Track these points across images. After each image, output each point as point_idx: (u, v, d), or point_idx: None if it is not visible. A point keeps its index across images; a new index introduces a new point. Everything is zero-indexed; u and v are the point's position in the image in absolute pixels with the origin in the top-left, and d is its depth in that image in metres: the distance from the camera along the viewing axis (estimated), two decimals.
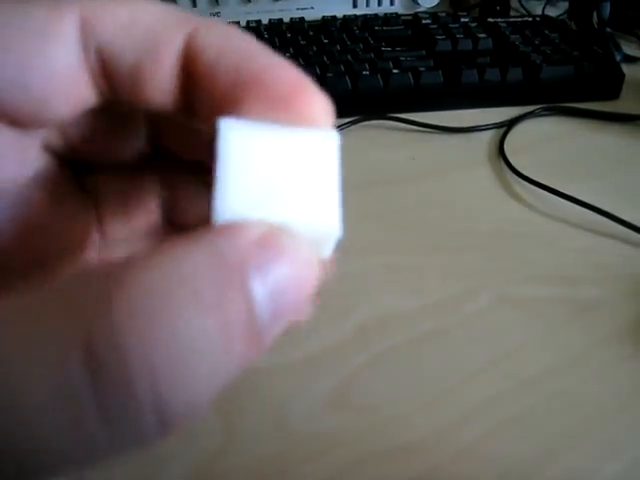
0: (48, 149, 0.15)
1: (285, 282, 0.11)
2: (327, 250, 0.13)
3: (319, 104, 0.12)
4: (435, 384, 0.30)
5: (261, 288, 0.10)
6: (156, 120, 0.16)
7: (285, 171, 0.12)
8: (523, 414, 0.29)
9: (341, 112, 0.53)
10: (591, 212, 0.41)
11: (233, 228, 0.11)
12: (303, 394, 0.30)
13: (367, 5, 0.75)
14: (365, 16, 0.66)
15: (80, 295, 0.09)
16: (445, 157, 0.49)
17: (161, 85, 0.13)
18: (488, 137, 0.52)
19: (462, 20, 0.65)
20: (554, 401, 0.30)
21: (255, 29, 0.62)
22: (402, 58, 0.57)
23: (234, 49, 0.12)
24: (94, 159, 0.16)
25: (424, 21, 0.65)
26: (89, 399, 0.09)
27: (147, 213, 0.17)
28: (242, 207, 0.11)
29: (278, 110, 0.12)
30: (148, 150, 0.17)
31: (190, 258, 0.10)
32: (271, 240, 0.11)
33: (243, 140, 0.12)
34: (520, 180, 0.46)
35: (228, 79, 0.12)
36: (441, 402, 0.30)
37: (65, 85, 0.13)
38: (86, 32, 0.12)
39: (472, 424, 0.29)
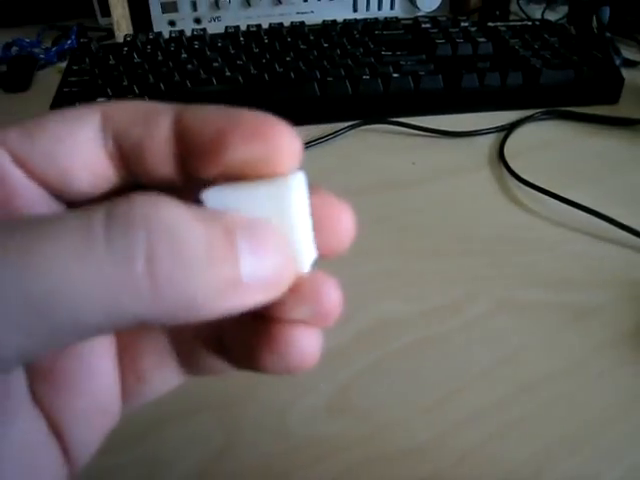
0: None
1: (264, 250, 0.13)
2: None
3: (287, 134, 0.15)
4: (435, 389, 0.30)
5: (245, 242, 0.13)
6: None
7: (262, 213, 0.14)
8: (523, 419, 0.29)
9: (341, 116, 0.54)
10: (591, 216, 0.41)
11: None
12: (303, 398, 0.30)
13: (367, 9, 0.76)
14: (365, 20, 0.66)
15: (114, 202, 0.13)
16: (445, 161, 0.49)
17: (159, 154, 0.15)
18: (488, 141, 0.52)
19: (462, 24, 0.66)
20: (554, 406, 0.30)
21: (255, 33, 0.62)
22: (402, 62, 0.57)
23: (212, 111, 0.15)
24: None
25: (424, 25, 0.65)
26: (99, 225, 0.12)
27: None
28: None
29: (256, 143, 0.14)
30: None
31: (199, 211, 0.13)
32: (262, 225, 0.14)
33: (221, 199, 0.14)
34: (520, 184, 0.46)
35: (211, 132, 0.15)
36: (441, 407, 0.30)
37: (87, 158, 0.15)
38: (106, 120, 0.15)
39: (472, 429, 0.29)
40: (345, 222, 0.16)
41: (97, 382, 0.17)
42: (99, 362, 0.17)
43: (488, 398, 0.30)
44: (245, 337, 0.16)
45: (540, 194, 0.44)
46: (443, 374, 0.31)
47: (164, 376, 0.19)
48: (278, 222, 0.14)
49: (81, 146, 0.15)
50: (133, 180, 0.16)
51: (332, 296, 0.16)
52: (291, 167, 0.15)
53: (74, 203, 0.16)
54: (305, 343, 0.16)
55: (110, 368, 0.17)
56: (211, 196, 0.14)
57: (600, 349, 0.33)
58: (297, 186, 0.15)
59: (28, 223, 0.12)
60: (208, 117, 0.15)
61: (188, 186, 0.16)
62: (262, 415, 0.29)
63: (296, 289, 0.15)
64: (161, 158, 0.15)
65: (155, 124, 0.15)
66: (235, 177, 0.15)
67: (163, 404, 0.30)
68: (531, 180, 0.45)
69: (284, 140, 0.14)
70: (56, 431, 0.16)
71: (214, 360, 0.18)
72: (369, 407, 0.30)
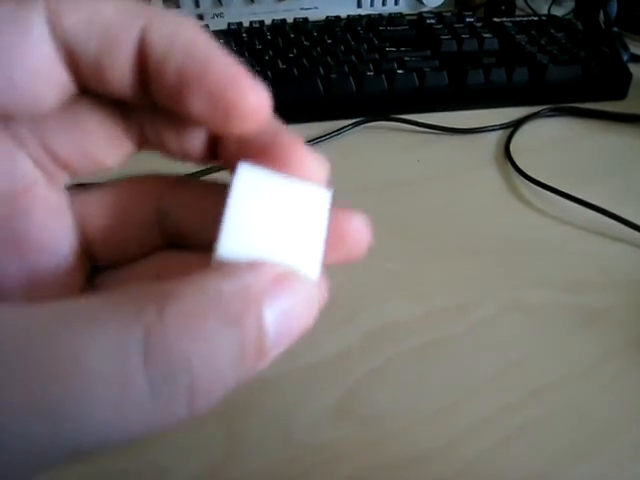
0: (37, 163, 0.16)
1: (289, 310, 0.13)
2: None
3: (253, 94, 0.14)
4: (440, 395, 0.30)
5: (271, 314, 0.13)
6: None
7: (282, 220, 0.14)
8: (531, 426, 0.28)
9: (345, 113, 0.53)
10: (600, 215, 0.40)
11: (256, 265, 0.13)
12: (307, 404, 0.29)
13: (372, 5, 0.75)
14: (369, 16, 0.66)
15: (137, 298, 0.12)
16: (450, 159, 0.49)
17: (121, 75, 0.14)
18: (494, 138, 0.51)
19: (467, 20, 0.65)
20: (563, 412, 0.29)
21: (258, 30, 0.62)
22: (407, 59, 0.56)
23: (180, 44, 0.14)
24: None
25: (429, 21, 0.64)
26: (139, 371, 0.11)
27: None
28: (241, 249, 0.14)
29: (216, 103, 0.14)
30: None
31: (220, 286, 0.12)
32: (283, 277, 0.13)
33: (252, 186, 0.14)
34: (527, 182, 0.45)
35: (173, 76, 0.14)
36: (446, 413, 0.29)
37: (46, 73, 0.13)
38: (53, 25, 0.13)
39: (478, 436, 0.28)
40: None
41: None
42: None
43: (495, 404, 0.29)
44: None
45: (547, 192, 0.43)
46: (449, 379, 0.31)
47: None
48: (299, 235, 0.14)
49: (30, 51, 0.13)
50: (86, 89, 0.14)
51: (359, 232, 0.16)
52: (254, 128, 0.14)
53: (19, 116, 0.14)
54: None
55: None
56: (244, 180, 0.14)
57: (611, 353, 0.32)
58: (325, 201, 0.15)
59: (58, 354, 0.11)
60: (171, 53, 0.14)
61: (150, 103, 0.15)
62: (266, 421, 0.28)
63: None
64: (121, 80, 0.14)
65: (119, 37, 0.13)
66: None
67: None
68: (538, 178, 0.44)
69: (247, 100, 0.14)
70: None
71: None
72: (374, 413, 0.29)
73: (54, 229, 0.16)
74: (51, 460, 0.11)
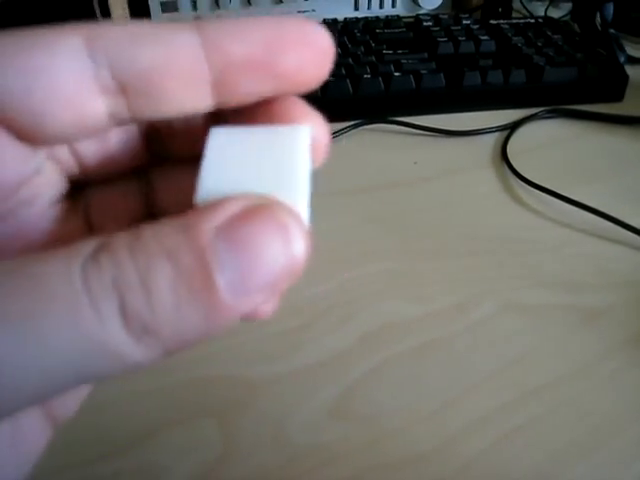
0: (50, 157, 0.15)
1: (254, 244, 0.12)
2: None
3: (326, 38, 0.14)
4: (438, 394, 0.30)
5: (225, 248, 0.12)
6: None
7: (262, 161, 0.14)
8: (530, 424, 0.28)
9: (342, 116, 0.53)
10: (597, 217, 0.40)
11: (222, 200, 0.12)
12: (303, 404, 0.29)
13: (369, 7, 0.75)
14: (366, 19, 0.66)
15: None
16: (447, 161, 0.49)
17: (184, 78, 0.13)
18: (491, 140, 0.51)
19: (464, 22, 0.65)
20: (561, 411, 0.29)
21: None
22: (404, 61, 0.56)
23: (247, 24, 0.13)
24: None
25: (426, 23, 0.65)
26: (82, 291, 0.11)
27: (130, 212, 0.18)
28: (219, 190, 0.13)
29: (307, 49, 0.14)
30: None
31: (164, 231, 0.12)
32: (251, 208, 0.12)
33: (226, 141, 0.14)
34: (523, 184, 0.45)
35: (258, 41, 0.13)
36: (445, 413, 0.29)
37: (69, 94, 0.12)
38: (93, 44, 0.12)
39: (477, 435, 0.28)
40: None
41: None
42: None
43: (494, 403, 0.29)
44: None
45: (544, 194, 0.43)
46: (447, 378, 0.31)
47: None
48: (282, 174, 0.13)
49: (61, 80, 0.12)
50: (132, 119, 0.14)
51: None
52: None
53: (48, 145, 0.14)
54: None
55: None
56: (216, 136, 0.14)
57: (608, 352, 0.32)
58: (304, 136, 0.14)
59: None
60: (245, 29, 0.13)
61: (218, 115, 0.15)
62: (262, 421, 0.28)
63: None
64: (187, 83, 0.13)
65: (173, 42, 0.13)
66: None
67: (160, 410, 0.29)
68: (535, 180, 0.44)
69: (326, 44, 0.14)
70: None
71: None
72: (371, 413, 0.29)
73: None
74: (24, 391, 0.11)
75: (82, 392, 0.17)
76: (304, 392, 0.30)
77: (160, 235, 0.12)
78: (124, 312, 0.11)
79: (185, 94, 0.13)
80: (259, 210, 0.12)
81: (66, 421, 0.16)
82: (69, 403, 0.16)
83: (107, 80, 0.13)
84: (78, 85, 0.12)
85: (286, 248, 0.12)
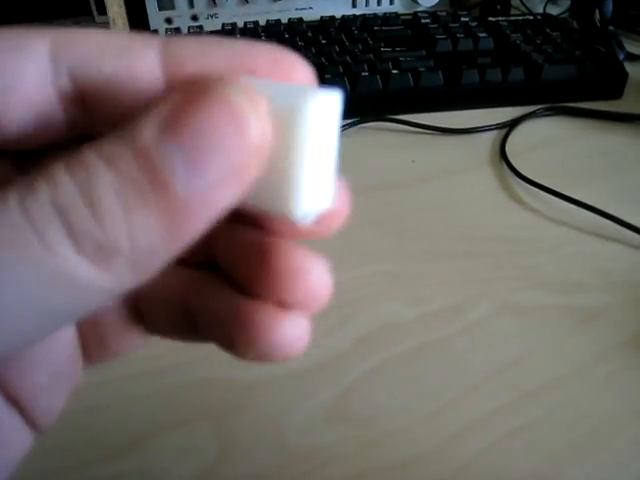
0: None
1: (204, 133, 0.11)
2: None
3: (301, 69, 0.14)
4: (436, 396, 0.30)
5: (177, 154, 0.11)
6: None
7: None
8: (527, 426, 0.28)
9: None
10: (595, 215, 0.40)
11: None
12: (300, 407, 0.29)
13: (367, 5, 0.75)
14: (364, 16, 0.66)
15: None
16: (446, 159, 0.49)
17: (141, 91, 0.13)
18: (489, 138, 0.51)
19: (462, 19, 0.65)
20: (559, 413, 0.29)
21: (252, 30, 0.61)
22: (402, 59, 0.56)
23: (211, 45, 0.13)
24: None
25: (424, 21, 0.64)
26: (24, 221, 0.10)
27: None
28: None
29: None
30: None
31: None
32: (196, 92, 0.11)
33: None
34: (522, 182, 0.45)
35: (216, 67, 0.13)
36: (442, 415, 0.29)
37: (30, 95, 0.13)
38: (59, 50, 0.12)
39: (474, 437, 0.28)
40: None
41: (57, 353, 0.16)
42: (58, 334, 0.16)
43: (491, 405, 0.29)
44: (216, 311, 0.15)
45: (543, 192, 0.43)
46: (445, 380, 0.30)
47: (127, 338, 0.17)
48: (288, 135, 0.12)
49: (23, 80, 0.12)
50: (87, 127, 0.14)
51: (321, 278, 0.14)
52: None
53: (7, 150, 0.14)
54: (285, 329, 0.14)
55: (70, 337, 0.16)
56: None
57: (606, 353, 0.32)
58: (326, 104, 0.12)
59: None
60: (212, 49, 0.13)
61: None
62: (258, 424, 0.28)
63: (279, 263, 0.13)
64: (140, 98, 0.13)
65: (136, 55, 0.13)
66: None
67: (157, 413, 0.29)
68: (533, 178, 0.44)
69: (300, 76, 0.13)
70: (16, 404, 0.15)
71: (179, 328, 0.16)
72: (369, 415, 0.29)
73: None
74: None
75: (62, 399, 0.16)
76: (302, 394, 0.30)
77: (99, 147, 0.11)
78: (71, 233, 0.11)
79: (138, 108, 0.13)
80: (204, 94, 0.11)
81: (48, 427, 0.16)
82: (50, 409, 0.16)
83: (66, 87, 0.13)
84: (38, 88, 0.13)
85: (241, 132, 0.11)
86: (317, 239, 0.15)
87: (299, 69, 0.14)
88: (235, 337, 0.14)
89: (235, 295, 0.15)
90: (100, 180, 0.11)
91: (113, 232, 0.11)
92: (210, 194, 0.11)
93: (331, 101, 0.12)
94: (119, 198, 0.11)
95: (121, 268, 0.11)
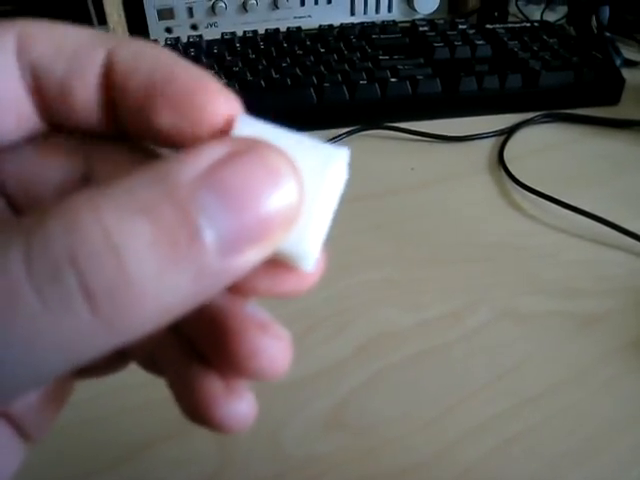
0: None
1: (241, 190, 0.10)
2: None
3: (222, 96, 0.13)
4: (435, 403, 0.30)
5: (211, 197, 0.10)
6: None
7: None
8: (526, 432, 0.28)
9: (338, 122, 0.53)
10: (594, 222, 0.40)
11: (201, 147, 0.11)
12: (299, 415, 0.29)
13: (365, 12, 0.75)
14: (362, 24, 0.66)
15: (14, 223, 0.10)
16: (444, 166, 0.49)
17: (86, 99, 0.13)
18: (487, 145, 0.51)
19: (460, 27, 0.65)
20: (558, 418, 0.29)
21: (251, 39, 0.62)
22: (400, 67, 0.56)
23: (145, 60, 0.13)
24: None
25: (421, 28, 0.65)
26: (23, 279, 0.09)
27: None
28: None
29: (183, 109, 0.12)
30: None
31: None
32: (235, 151, 0.11)
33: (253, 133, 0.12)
34: (520, 189, 0.45)
35: (139, 91, 0.13)
36: (441, 422, 0.29)
37: (8, 102, 0.13)
38: (22, 46, 0.13)
39: (473, 444, 0.28)
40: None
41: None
42: None
43: (490, 411, 0.29)
44: (174, 374, 0.15)
45: (541, 199, 0.43)
46: (444, 387, 0.30)
47: (121, 366, 0.17)
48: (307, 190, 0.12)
49: None
50: (58, 123, 0.14)
51: (275, 357, 0.14)
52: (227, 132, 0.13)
53: None
54: (232, 408, 0.14)
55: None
56: (243, 127, 0.13)
57: (605, 358, 0.32)
58: (340, 159, 0.13)
59: None
60: (136, 68, 0.13)
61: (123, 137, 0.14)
62: (256, 433, 0.28)
63: (234, 341, 0.13)
64: (87, 105, 0.13)
65: (86, 60, 0.13)
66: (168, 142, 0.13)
67: (154, 424, 0.29)
68: (531, 185, 0.44)
69: (217, 105, 0.13)
70: (7, 417, 0.15)
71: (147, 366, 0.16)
72: (367, 423, 0.29)
73: None
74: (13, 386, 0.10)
75: (55, 414, 0.16)
76: (300, 402, 0.30)
77: (132, 189, 0.10)
78: (85, 290, 0.10)
79: (87, 112, 0.13)
80: (246, 152, 0.11)
81: (42, 439, 0.16)
82: (42, 423, 0.16)
83: (30, 82, 0.13)
84: (9, 83, 0.13)
85: (278, 193, 0.11)
86: (285, 298, 0.14)
87: (219, 100, 0.13)
88: (183, 403, 0.14)
89: (192, 362, 0.14)
90: (135, 231, 0.10)
91: (140, 288, 0.10)
92: (241, 257, 0.11)
93: (344, 158, 0.13)
94: (154, 253, 0.10)
95: (134, 324, 0.10)
